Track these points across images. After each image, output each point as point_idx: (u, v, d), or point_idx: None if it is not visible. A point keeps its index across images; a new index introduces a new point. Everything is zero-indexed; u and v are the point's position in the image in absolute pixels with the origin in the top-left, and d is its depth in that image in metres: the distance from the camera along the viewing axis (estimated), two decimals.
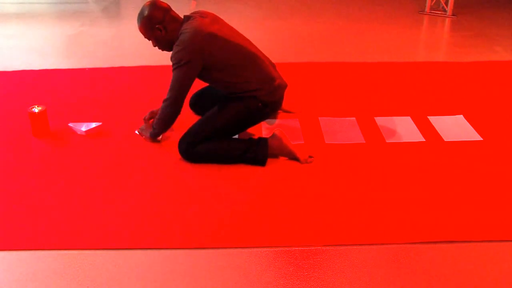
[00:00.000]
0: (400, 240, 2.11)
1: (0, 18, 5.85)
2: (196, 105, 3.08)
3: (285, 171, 2.62)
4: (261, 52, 2.79)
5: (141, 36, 2.81)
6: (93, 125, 3.05)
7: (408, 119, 3.16)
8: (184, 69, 2.58)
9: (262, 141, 2.69)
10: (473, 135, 2.97)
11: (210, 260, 2.02)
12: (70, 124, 3.07)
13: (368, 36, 4.97)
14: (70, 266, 1.99)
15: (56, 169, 2.66)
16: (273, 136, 2.71)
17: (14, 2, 6.57)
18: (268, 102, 2.72)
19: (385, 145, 2.86)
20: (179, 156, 2.73)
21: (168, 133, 2.98)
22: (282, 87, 2.78)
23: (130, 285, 1.90)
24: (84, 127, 3.03)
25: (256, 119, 2.81)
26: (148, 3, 2.66)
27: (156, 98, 3.47)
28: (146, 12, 2.63)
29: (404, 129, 3.05)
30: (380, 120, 3.15)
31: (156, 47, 2.77)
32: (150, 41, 2.74)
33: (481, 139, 2.92)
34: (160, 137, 2.90)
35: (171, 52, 2.66)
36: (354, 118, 3.18)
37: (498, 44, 4.68)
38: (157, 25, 2.63)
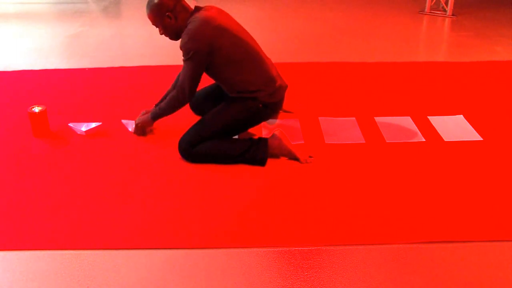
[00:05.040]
0: (400, 240, 2.11)
1: (0, 18, 5.85)
2: (197, 107, 3.08)
3: (285, 171, 2.62)
4: (263, 52, 2.79)
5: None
6: (93, 125, 3.05)
7: (408, 119, 3.16)
8: (195, 60, 2.59)
9: (262, 141, 2.69)
10: (473, 135, 2.97)
11: (210, 260, 2.02)
12: (70, 124, 3.07)
13: (368, 36, 4.97)
14: (70, 266, 1.99)
15: (56, 169, 2.66)
16: (273, 136, 2.71)
17: (14, 2, 6.57)
18: (269, 103, 2.72)
19: (385, 145, 2.86)
20: (179, 156, 2.73)
21: (167, 133, 2.99)
22: (283, 88, 2.78)
23: (130, 285, 1.90)
24: (84, 127, 3.03)
25: (256, 120, 2.81)
26: None
27: (156, 98, 3.47)
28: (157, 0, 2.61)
29: (404, 129, 3.05)
30: (380, 120, 3.15)
31: (163, 35, 2.74)
32: (156, 27, 2.71)
33: (481, 139, 2.92)
34: (151, 128, 2.98)
35: (178, 43, 2.64)
36: (354, 118, 3.18)
37: (498, 44, 4.68)
38: (168, 13, 2.61)
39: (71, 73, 4.02)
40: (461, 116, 3.20)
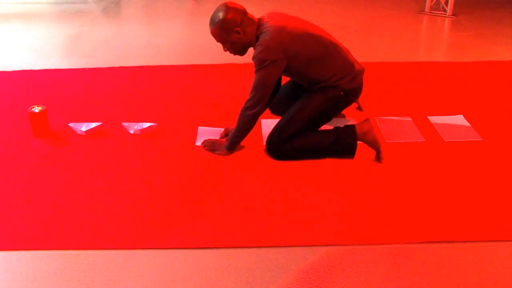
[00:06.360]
0: (400, 240, 2.11)
1: (0, 18, 5.85)
2: (275, 106, 3.03)
3: (286, 171, 2.62)
4: (336, 40, 2.76)
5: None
6: (93, 125, 3.05)
7: (408, 119, 3.16)
8: (269, 69, 2.56)
9: (349, 129, 2.69)
10: (473, 135, 2.97)
11: (210, 260, 2.02)
12: (70, 124, 3.07)
13: (368, 36, 4.97)
14: (70, 266, 1.99)
15: (56, 169, 2.66)
16: (366, 120, 2.70)
17: (14, 2, 6.58)
18: (349, 90, 2.70)
19: (386, 145, 2.86)
20: (178, 156, 2.73)
21: (167, 133, 2.99)
22: (361, 72, 2.78)
23: (130, 285, 1.90)
24: (84, 127, 3.03)
25: (340, 108, 2.80)
26: (224, 5, 2.58)
27: (156, 98, 3.47)
28: (223, 15, 2.54)
29: (404, 129, 3.05)
30: (381, 120, 3.15)
31: (228, 52, 2.69)
32: (221, 44, 2.65)
33: (481, 139, 2.92)
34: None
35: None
36: (354, 119, 3.17)
37: (498, 44, 4.68)
38: (236, 28, 2.56)
39: (71, 73, 4.02)
40: (461, 116, 3.20)
